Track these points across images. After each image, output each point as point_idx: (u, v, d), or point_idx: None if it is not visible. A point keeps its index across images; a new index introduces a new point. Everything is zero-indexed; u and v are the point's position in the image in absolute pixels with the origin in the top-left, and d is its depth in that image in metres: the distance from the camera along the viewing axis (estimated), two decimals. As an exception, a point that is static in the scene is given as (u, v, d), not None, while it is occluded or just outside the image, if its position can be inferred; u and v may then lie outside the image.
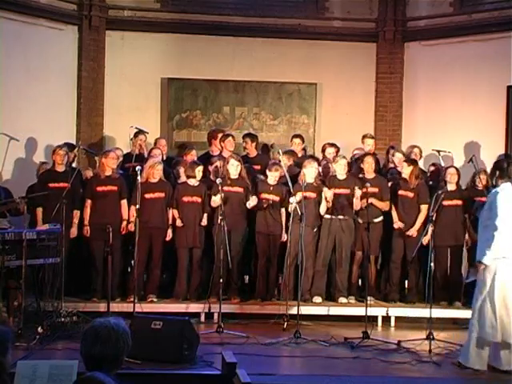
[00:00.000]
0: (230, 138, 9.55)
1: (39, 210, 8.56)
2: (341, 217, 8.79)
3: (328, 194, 8.63)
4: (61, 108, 10.54)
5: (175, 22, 11.04)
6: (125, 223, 8.61)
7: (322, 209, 8.70)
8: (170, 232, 8.70)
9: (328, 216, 8.80)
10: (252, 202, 8.64)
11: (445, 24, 10.93)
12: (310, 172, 8.65)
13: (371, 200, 8.51)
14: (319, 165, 9.07)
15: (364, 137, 9.87)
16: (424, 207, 8.87)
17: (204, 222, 8.71)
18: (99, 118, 10.92)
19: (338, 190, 8.80)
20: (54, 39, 10.54)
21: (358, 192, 8.68)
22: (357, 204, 8.71)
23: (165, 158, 9.67)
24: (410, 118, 11.25)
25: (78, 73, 10.78)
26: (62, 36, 10.67)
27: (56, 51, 10.55)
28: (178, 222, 8.67)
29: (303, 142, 10.01)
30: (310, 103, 11.23)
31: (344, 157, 9.10)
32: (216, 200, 8.42)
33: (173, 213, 8.73)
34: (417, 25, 11.28)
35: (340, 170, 8.85)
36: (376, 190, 8.75)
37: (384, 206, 8.89)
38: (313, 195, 8.68)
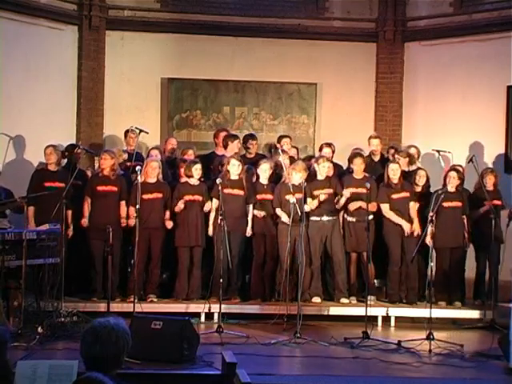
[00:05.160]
0: (237, 141, 9.53)
1: (30, 209, 8.56)
2: (328, 218, 8.80)
3: (321, 196, 8.70)
4: (61, 108, 10.54)
5: (175, 21, 11.04)
6: (123, 220, 8.61)
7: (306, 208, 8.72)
8: (169, 222, 8.66)
9: (315, 218, 8.79)
10: (249, 229, 8.79)
11: (445, 24, 10.93)
12: (297, 175, 8.62)
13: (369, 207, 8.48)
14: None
15: (369, 138, 9.89)
16: (413, 204, 8.92)
17: (206, 208, 8.72)
18: (99, 117, 10.92)
19: (322, 191, 8.79)
20: (54, 39, 10.54)
21: (346, 192, 8.77)
22: (340, 204, 8.79)
23: (172, 157, 9.69)
24: (409, 118, 11.25)
25: (78, 73, 10.78)
26: (62, 36, 10.67)
27: (56, 51, 10.55)
28: (168, 224, 8.66)
29: (291, 140, 10.02)
30: (310, 103, 11.23)
31: (328, 159, 9.07)
32: (209, 205, 8.68)
33: (171, 212, 8.72)
34: (417, 25, 11.28)
35: (322, 171, 8.84)
36: (364, 190, 8.64)
37: (371, 207, 8.82)
38: (300, 196, 8.65)
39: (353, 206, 8.84)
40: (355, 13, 11.34)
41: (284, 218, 8.56)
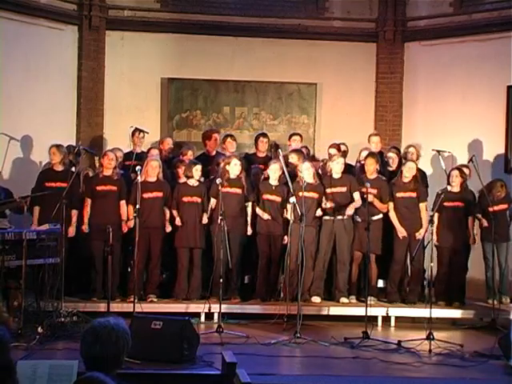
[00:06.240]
0: (230, 138, 9.62)
1: (36, 209, 8.58)
2: (340, 217, 8.81)
3: (328, 205, 8.68)
4: (61, 108, 10.53)
5: (175, 21, 11.03)
6: (124, 224, 8.62)
7: (318, 212, 8.72)
8: (168, 225, 8.69)
9: (327, 217, 8.81)
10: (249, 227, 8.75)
11: (445, 24, 10.92)
12: (306, 173, 8.64)
13: (372, 199, 8.53)
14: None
15: (369, 136, 9.91)
16: (423, 205, 8.92)
17: (204, 220, 8.72)
18: (99, 117, 10.91)
19: (334, 189, 8.82)
20: (54, 39, 10.53)
21: (356, 195, 8.74)
22: (354, 206, 8.74)
23: (170, 157, 9.72)
24: (409, 118, 11.24)
25: (78, 73, 10.77)
26: (62, 36, 10.66)
27: (56, 51, 10.54)
28: (177, 221, 8.68)
29: (302, 139, 10.05)
30: (310, 103, 11.22)
31: (342, 156, 9.14)
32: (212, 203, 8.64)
33: (171, 212, 8.73)
34: (417, 25, 11.27)
35: (337, 168, 8.86)
36: (375, 191, 8.75)
37: (383, 207, 8.88)
38: (314, 195, 8.68)
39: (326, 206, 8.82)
40: (355, 13, 11.33)
41: (287, 215, 8.50)
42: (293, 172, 8.77)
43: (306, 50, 11.22)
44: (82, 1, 10.74)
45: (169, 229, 8.70)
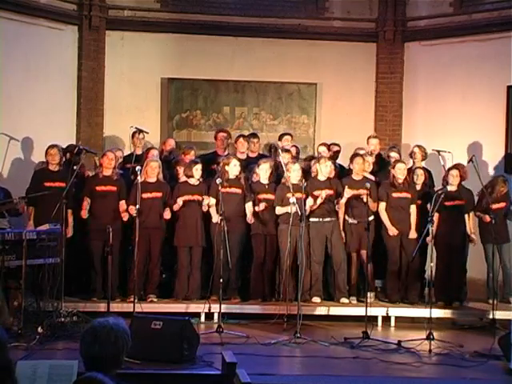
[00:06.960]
0: (242, 138, 9.64)
1: (31, 209, 8.57)
2: (328, 219, 8.80)
3: (323, 194, 8.67)
4: (61, 108, 10.54)
5: (175, 21, 11.04)
6: (123, 214, 8.58)
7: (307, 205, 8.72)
8: (168, 212, 8.63)
9: (315, 219, 8.79)
10: (249, 215, 8.75)
11: (445, 24, 10.93)
12: (294, 174, 8.62)
13: (366, 198, 8.54)
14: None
15: (368, 137, 9.91)
16: (413, 207, 8.93)
17: (204, 207, 8.66)
18: (99, 118, 10.92)
19: (320, 192, 8.76)
20: (54, 39, 10.54)
21: (348, 192, 8.75)
22: (342, 203, 8.79)
23: (170, 157, 9.72)
24: (409, 118, 11.25)
25: (77, 73, 10.78)
26: (62, 36, 10.67)
27: (56, 51, 10.55)
28: (177, 204, 8.61)
29: (292, 138, 10.07)
30: (310, 103, 11.23)
31: (331, 157, 9.15)
32: (207, 203, 8.62)
33: (171, 210, 8.72)
34: (417, 25, 11.28)
35: (324, 171, 8.84)
36: (362, 191, 8.68)
37: (373, 206, 8.85)
38: (300, 196, 8.64)
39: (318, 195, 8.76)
40: (355, 13, 11.34)
41: (284, 209, 8.51)
42: (281, 173, 8.80)
43: (306, 49, 11.23)
44: (82, 1, 10.75)
45: (168, 215, 8.63)
